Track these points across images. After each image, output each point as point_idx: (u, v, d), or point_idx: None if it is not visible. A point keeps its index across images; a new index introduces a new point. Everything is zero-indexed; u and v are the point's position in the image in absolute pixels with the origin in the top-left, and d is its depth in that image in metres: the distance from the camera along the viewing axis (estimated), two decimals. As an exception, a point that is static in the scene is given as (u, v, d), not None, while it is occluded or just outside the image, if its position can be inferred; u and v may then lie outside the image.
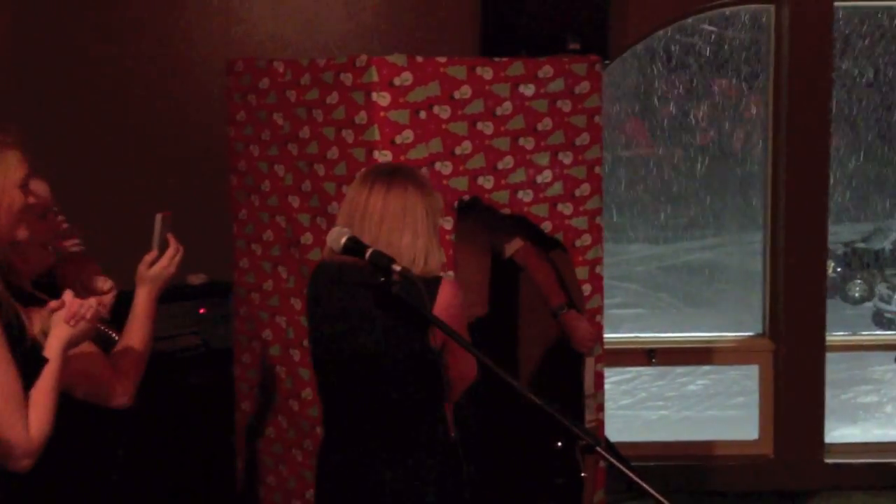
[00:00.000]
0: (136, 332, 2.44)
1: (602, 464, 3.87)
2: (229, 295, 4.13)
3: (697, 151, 6.32)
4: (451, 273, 3.33)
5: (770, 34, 5.19)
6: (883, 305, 7.98)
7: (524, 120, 3.57)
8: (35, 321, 2.18)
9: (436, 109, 3.37)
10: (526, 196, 3.62)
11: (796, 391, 5.18)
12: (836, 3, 5.03)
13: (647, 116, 6.30)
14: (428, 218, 2.60)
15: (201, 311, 4.29)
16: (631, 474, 1.97)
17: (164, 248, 2.50)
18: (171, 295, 4.06)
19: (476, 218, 3.66)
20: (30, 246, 2.37)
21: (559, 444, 2.17)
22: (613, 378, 6.28)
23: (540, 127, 3.62)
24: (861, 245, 7.96)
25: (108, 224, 4.44)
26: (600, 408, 3.96)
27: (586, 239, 3.79)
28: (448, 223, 3.35)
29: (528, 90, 3.57)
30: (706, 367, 6.81)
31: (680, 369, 7.02)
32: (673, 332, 5.81)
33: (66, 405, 2.24)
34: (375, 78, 3.26)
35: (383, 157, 3.28)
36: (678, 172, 6.50)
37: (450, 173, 3.42)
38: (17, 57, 4.66)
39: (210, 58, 4.64)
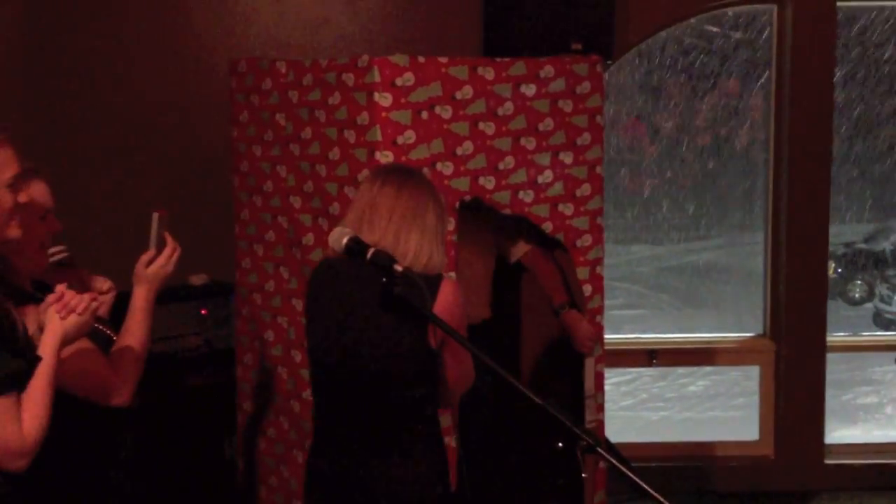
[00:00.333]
0: (134, 331, 2.44)
1: (602, 464, 3.87)
2: (231, 295, 4.13)
3: (699, 152, 6.32)
4: (452, 274, 3.33)
5: (772, 34, 5.19)
6: (883, 306, 7.98)
7: (525, 120, 3.58)
8: (30, 319, 2.16)
9: (437, 110, 3.37)
10: (527, 196, 3.62)
11: (797, 392, 5.18)
12: (838, 3, 5.03)
13: (649, 116, 6.30)
14: (437, 220, 2.63)
15: (203, 311, 4.30)
16: (631, 475, 1.97)
17: (161, 247, 2.50)
18: (173, 295, 4.09)
19: (481, 219, 3.67)
20: (28, 245, 2.37)
21: (560, 444, 2.17)
22: (614, 379, 6.28)
23: (541, 127, 3.62)
24: (862, 246, 7.96)
25: (109, 224, 4.45)
26: (600, 408, 3.96)
27: (587, 239, 3.79)
28: (450, 224, 3.35)
29: (529, 90, 3.57)
30: (707, 368, 6.81)
31: (681, 370, 7.02)
32: (674, 332, 5.82)
33: (69, 404, 2.25)
34: (377, 78, 3.27)
35: (385, 157, 3.28)
36: (680, 173, 6.50)
37: (451, 173, 3.42)
38: (20, 56, 4.67)
39: (213, 58, 4.65)
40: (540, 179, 3.64)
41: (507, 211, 3.59)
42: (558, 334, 3.80)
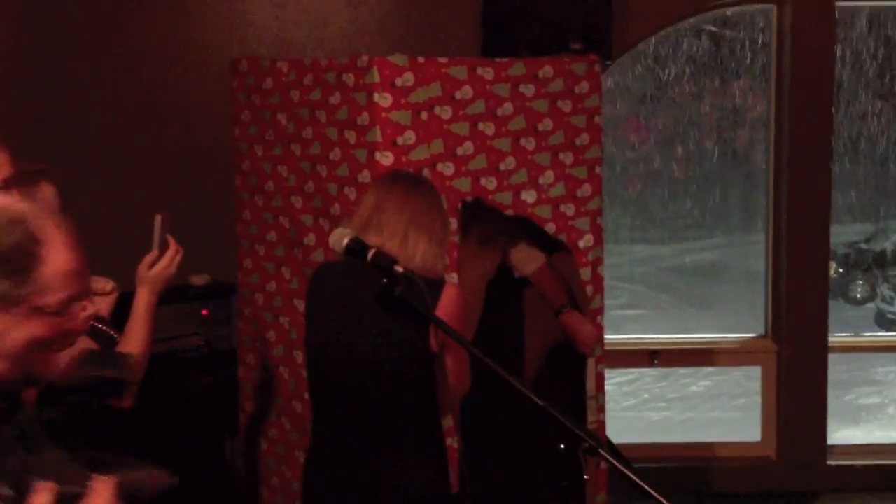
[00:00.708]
0: (136, 333, 2.45)
1: (604, 466, 3.87)
2: (232, 296, 4.13)
3: (700, 152, 6.32)
4: (454, 275, 3.33)
5: (772, 34, 5.19)
6: (885, 306, 7.98)
7: (525, 120, 3.58)
8: None
9: (437, 110, 3.37)
10: (529, 197, 3.62)
11: (799, 392, 5.17)
12: (837, 3, 5.03)
13: (650, 116, 6.30)
14: (443, 225, 2.66)
15: (204, 312, 4.29)
16: (633, 476, 1.97)
17: (164, 248, 2.52)
18: (174, 296, 4.08)
19: (492, 225, 3.64)
20: None
21: (562, 446, 2.17)
22: (616, 379, 6.28)
23: (540, 127, 3.62)
24: (863, 246, 7.95)
25: (111, 224, 4.44)
26: (601, 409, 3.96)
27: (588, 240, 3.79)
28: (452, 224, 3.35)
29: (528, 90, 3.57)
30: (709, 369, 6.80)
31: (682, 370, 7.02)
32: (675, 333, 5.82)
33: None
34: (377, 78, 3.27)
35: (385, 158, 3.28)
36: (681, 173, 6.50)
37: (452, 174, 3.42)
38: (21, 56, 4.67)
39: (214, 58, 4.65)
40: (541, 180, 3.64)
41: (510, 212, 3.59)
42: (560, 336, 3.79)
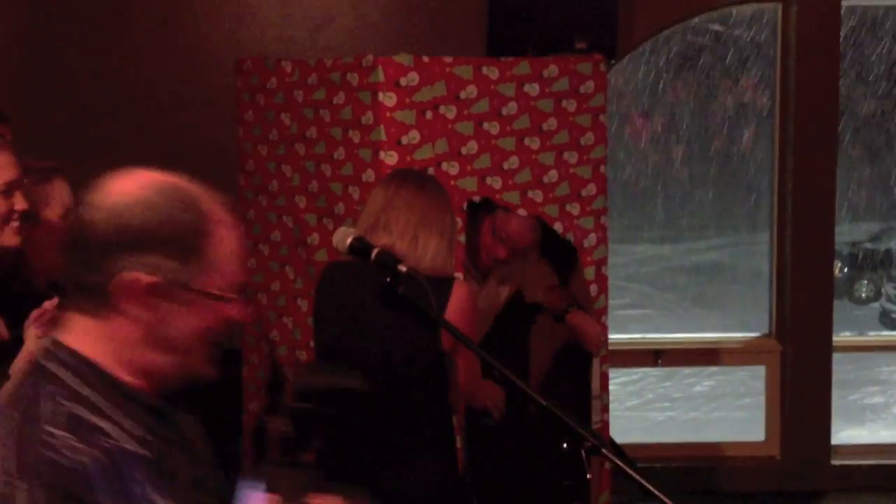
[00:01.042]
0: None
1: (608, 465, 3.86)
2: (236, 295, 4.13)
3: (704, 151, 6.31)
4: (459, 275, 3.32)
5: (777, 33, 5.18)
6: (890, 306, 7.96)
7: (529, 119, 3.57)
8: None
9: (442, 109, 3.37)
10: (536, 196, 3.60)
11: (803, 392, 5.17)
12: (843, 3, 5.02)
13: (654, 116, 6.29)
14: (452, 224, 2.65)
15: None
16: (636, 476, 1.97)
17: None
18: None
19: (516, 266, 3.55)
20: (48, 243, 2.35)
21: (565, 445, 2.17)
22: (620, 379, 6.27)
23: (545, 127, 3.61)
24: (868, 245, 7.94)
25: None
26: (605, 409, 3.95)
27: (592, 239, 3.79)
28: (457, 224, 3.34)
29: (533, 90, 3.56)
30: (713, 368, 6.79)
31: (686, 370, 7.01)
32: (679, 332, 5.81)
33: None
34: (381, 78, 3.26)
35: (389, 157, 3.28)
36: (685, 172, 6.49)
37: (457, 173, 3.42)
38: (25, 54, 4.68)
39: (219, 57, 4.65)
40: (545, 179, 3.63)
41: (523, 212, 3.54)
42: (565, 336, 3.77)
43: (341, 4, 4.82)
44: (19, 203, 2.13)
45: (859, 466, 5.25)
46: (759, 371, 5.34)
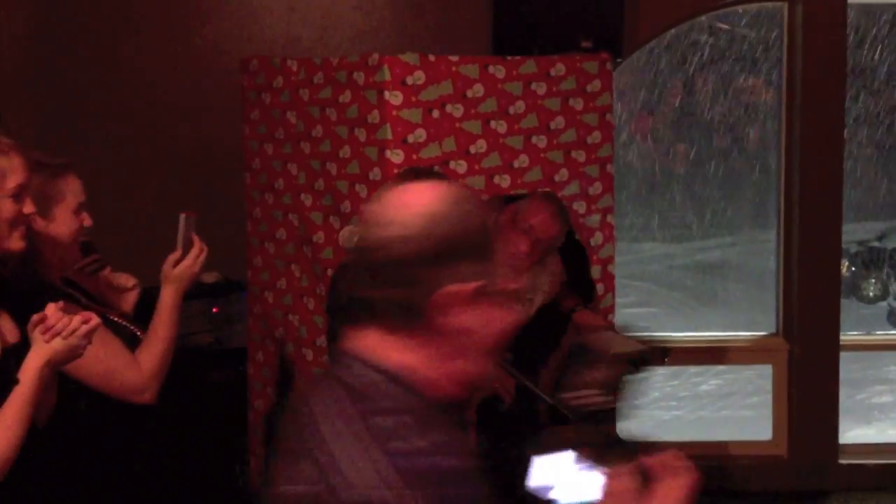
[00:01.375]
0: (161, 330, 2.46)
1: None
2: (243, 293, 4.14)
3: (711, 150, 6.29)
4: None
5: (783, 31, 5.17)
6: (898, 305, 7.93)
7: (537, 118, 3.57)
8: (7, 330, 2.06)
9: (448, 108, 3.37)
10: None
11: (810, 391, 5.15)
12: (850, 0, 5.01)
13: (659, 114, 6.28)
14: None
15: (215, 309, 4.30)
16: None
17: (188, 247, 2.54)
18: (185, 293, 4.09)
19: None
20: (62, 240, 2.38)
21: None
22: (626, 377, 6.25)
23: (552, 125, 3.61)
24: (876, 244, 7.91)
25: (119, 221, 4.45)
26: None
27: (599, 237, 3.78)
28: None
29: (540, 89, 3.56)
30: (720, 367, 6.77)
31: (693, 369, 6.98)
32: (686, 331, 5.79)
33: (93, 397, 2.27)
34: (388, 77, 3.26)
35: (395, 156, 3.28)
36: (691, 170, 6.48)
37: (465, 172, 3.42)
38: (33, 56, 4.68)
39: (225, 56, 4.65)
40: (557, 178, 3.63)
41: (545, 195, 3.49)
42: (573, 335, 3.77)
43: (348, 3, 4.82)
44: (28, 207, 2.12)
45: (867, 466, 5.23)
46: (767, 370, 5.33)
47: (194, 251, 2.54)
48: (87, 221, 2.46)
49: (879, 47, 5.98)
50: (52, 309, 1.98)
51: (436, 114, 3.35)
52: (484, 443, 1.43)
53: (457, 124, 3.40)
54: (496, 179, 3.49)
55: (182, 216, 2.55)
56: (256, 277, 3.94)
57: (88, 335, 2.02)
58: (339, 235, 2.66)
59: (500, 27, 4.54)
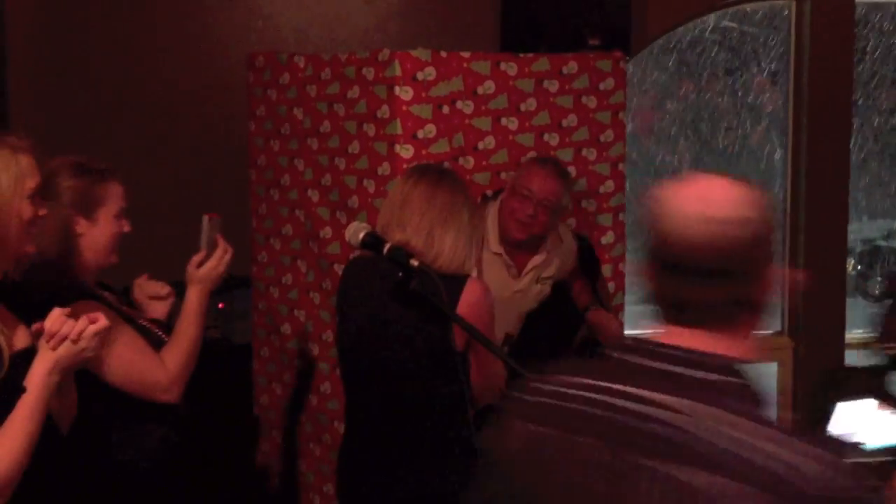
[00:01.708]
0: (186, 331, 2.47)
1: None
2: (248, 289, 4.11)
3: (716, 148, 6.28)
4: (475, 273, 3.29)
5: (791, 30, 5.15)
6: (902, 303, 7.91)
7: (549, 116, 3.54)
8: (18, 336, 2.01)
9: (459, 104, 3.35)
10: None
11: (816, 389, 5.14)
12: (857, -1, 5.00)
13: (667, 113, 6.26)
14: (471, 220, 2.60)
15: (221, 305, 4.28)
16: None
17: (212, 248, 2.54)
18: (209, 294, 4.06)
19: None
20: (100, 244, 2.41)
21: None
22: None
23: (564, 123, 3.59)
24: (881, 242, 7.91)
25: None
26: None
27: (610, 236, 3.77)
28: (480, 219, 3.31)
29: (552, 86, 3.54)
30: (723, 365, 6.77)
31: (697, 366, 6.99)
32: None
33: (105, 393, 2.28)
34: (398, 72, 3.24)
35: (405, 151, 3.26)
36: (695, 168, 6.46)
37: (472, 168, 3.40)
38: (40, 50, 4.65)
39: (231, 52, 4.62)
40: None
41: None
42: (583, 333, 3.75)
43: (355, 2, 4.80)
44: (42, 209, 2.09)
45: (870, 466, 5.22)
46: (772, 368, 5.32)
47: (219, 252, 2.54)
48: (127, 227, 2.48)
49: (888, 44, 5.97)
50: (54, 315, 1.94)
51: (446, 110, 3.33)
52: None
53: (467, 120, 3.37)
54: (503, 175, 3.47)
55: (205, 218, 2.56)
56: (261, 273, 3.91)
57: (97, 336, 1.98)
58: (346, 231, 2.64)
59: (507, 25, 4.52)
